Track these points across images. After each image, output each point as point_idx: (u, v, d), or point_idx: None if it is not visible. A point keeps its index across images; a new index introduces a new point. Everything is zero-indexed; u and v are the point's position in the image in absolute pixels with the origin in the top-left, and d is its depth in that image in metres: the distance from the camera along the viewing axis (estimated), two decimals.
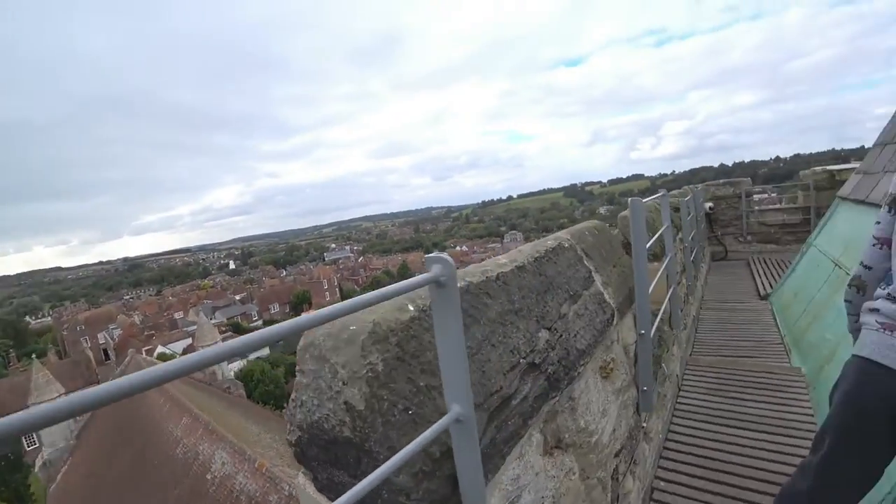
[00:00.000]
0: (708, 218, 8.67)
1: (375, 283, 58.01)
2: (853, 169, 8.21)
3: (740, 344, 4.40)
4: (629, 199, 2.10)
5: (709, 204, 8.68)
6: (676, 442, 2.80)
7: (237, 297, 66.63)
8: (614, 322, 1.85)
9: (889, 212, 1.40)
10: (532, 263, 1.39)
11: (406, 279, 0.71)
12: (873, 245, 1.44)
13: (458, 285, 0.79)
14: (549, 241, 1.65)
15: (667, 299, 2.97)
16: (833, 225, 4.48)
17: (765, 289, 5.97)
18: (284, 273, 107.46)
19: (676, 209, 4.30)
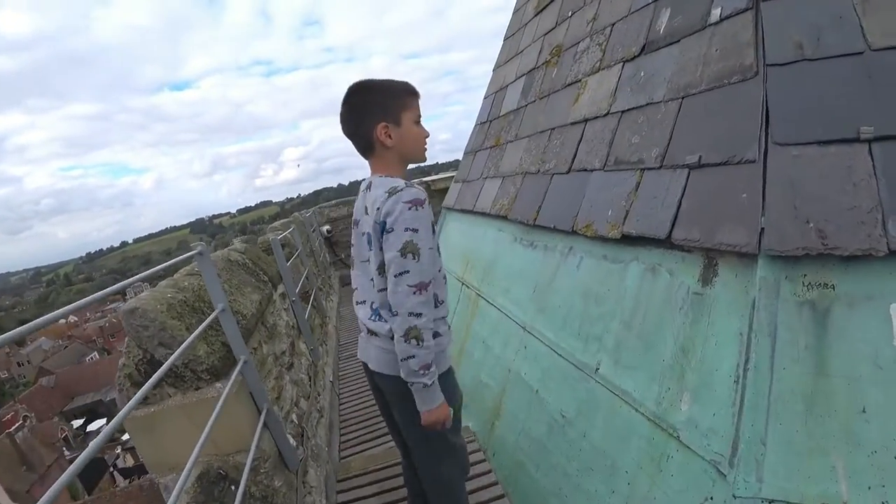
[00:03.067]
0: (329, 242, 8.19)
1: None
2: (446, 179, 9.21)
3: None
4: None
5: (326, 227, 8.22)
6: None
7: None
8: None
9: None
10: None
11: None
12: None
13: None
14: None
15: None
16: (446, 238, 4.22)
17: None
18: None
19: (270, 250, 3.10)
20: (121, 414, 0.94)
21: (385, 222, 1.31)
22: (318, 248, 6.80)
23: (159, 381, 1.14)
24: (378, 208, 1.33)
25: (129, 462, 26.51)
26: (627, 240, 1.77)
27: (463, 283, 3.54)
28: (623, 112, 2.08)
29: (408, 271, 1.29)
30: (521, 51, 3.86)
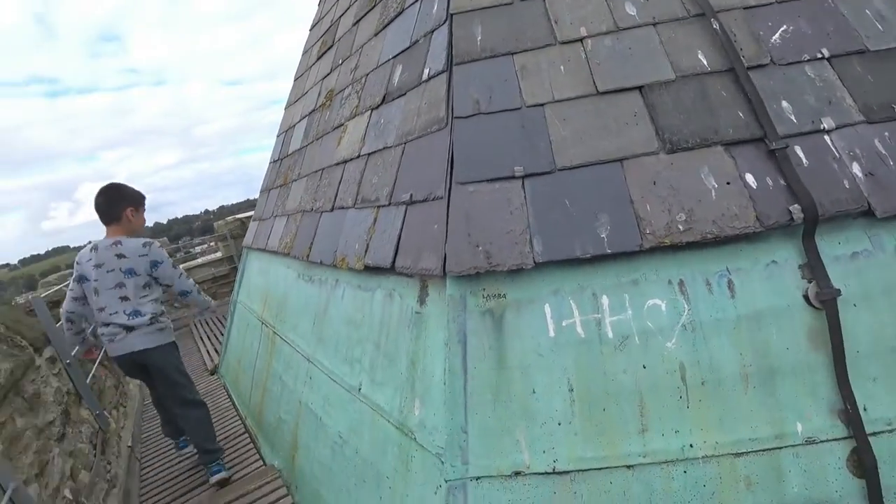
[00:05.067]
0: None
1: None
2: None
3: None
4: None
5: None
6: None
7: None
8: None
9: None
10: None
11: None
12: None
13: None
14: None
15: None
16: (248, 277, 4.12)
17: (212, 360, 5.24)
18: None
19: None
20: None
21: (154, 260, 2.59)
22: None
23: None
24: (145, 254, 2.57)
25: None
26: (372, 270, 1.98)
27: (262, 323, 3.49)
28: (369, 155, 2.32)
29: (181, 272, 2.75)
30: (306, 92, 4.00)
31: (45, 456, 2.27)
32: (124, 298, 2.51)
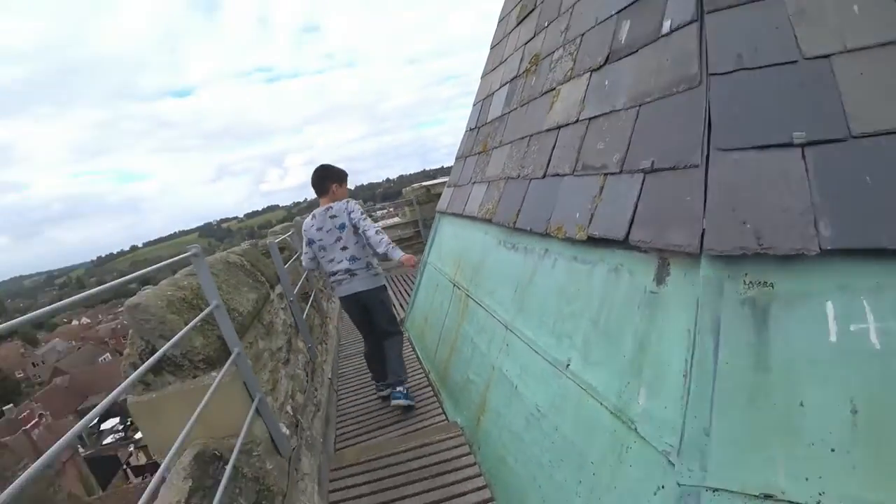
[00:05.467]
0: None
1: None
2: (444, 183, 9.33)
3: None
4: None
5: None
6: None
7: None
8: None
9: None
10: None
11: None
12: None
13: None
14: None
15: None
16: (440, 241, 4.32)
17: (399, 313, 5.70)
18: None
19: (267, 253, 3.26)
20: (120, 387, 1.03)
21: (350, 210, 3.10)
22: None
23: (155, 363, 1.26)
24: (345, 208, 3.11)
25: (142, 460, 27.06)
26: (593, 241, 1.86)
27: (455, 285, 3.64)
28: (590, 119, 2.17)
29: (370, 224, 3.09)
30: (505, 59, 3.96)
31: (276, 375, 2.67)
32: (343, 248, 3.12)
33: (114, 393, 1.00)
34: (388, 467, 2.69)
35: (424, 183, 8.90)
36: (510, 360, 2.45)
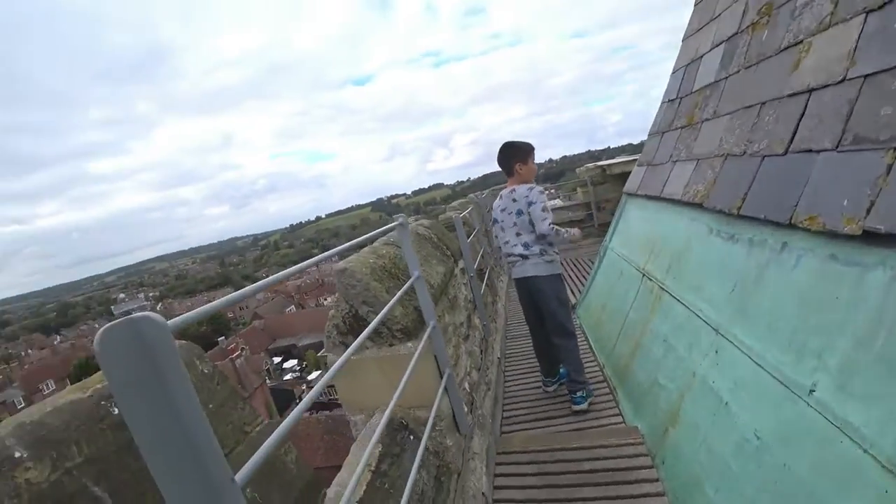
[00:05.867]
0: None
1: None
2: (624, 163, 8.64)
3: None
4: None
5: None
6: None
7: None
8: None
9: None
10: None
11: None
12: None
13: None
14: None
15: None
16: (626, 225, 3.94)
17: (573, 296, 5.43)
18: (59, 339, 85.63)
19: (451, 227, 3.30)
20: (338, 363, 1.05)
21: (530, 200, 2.91)
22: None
23: (367, 338, 1.28)
24: (526, 196, 2.93)
25: None
26: (869, 237, 1.44)
27: (644, 275, 3.28)
28: (867, 77, 1.67)
29: (546, 217, 2.87)
30: (718, 15, 3.37)
31: (458, 351, 2.66)
32: (518, 234, 3.02)
33: (341, 359, 1.02)
34: (558, 462, 2.54)
35: (600, 163, 8.35)
36: (719, 369, 2.09)
